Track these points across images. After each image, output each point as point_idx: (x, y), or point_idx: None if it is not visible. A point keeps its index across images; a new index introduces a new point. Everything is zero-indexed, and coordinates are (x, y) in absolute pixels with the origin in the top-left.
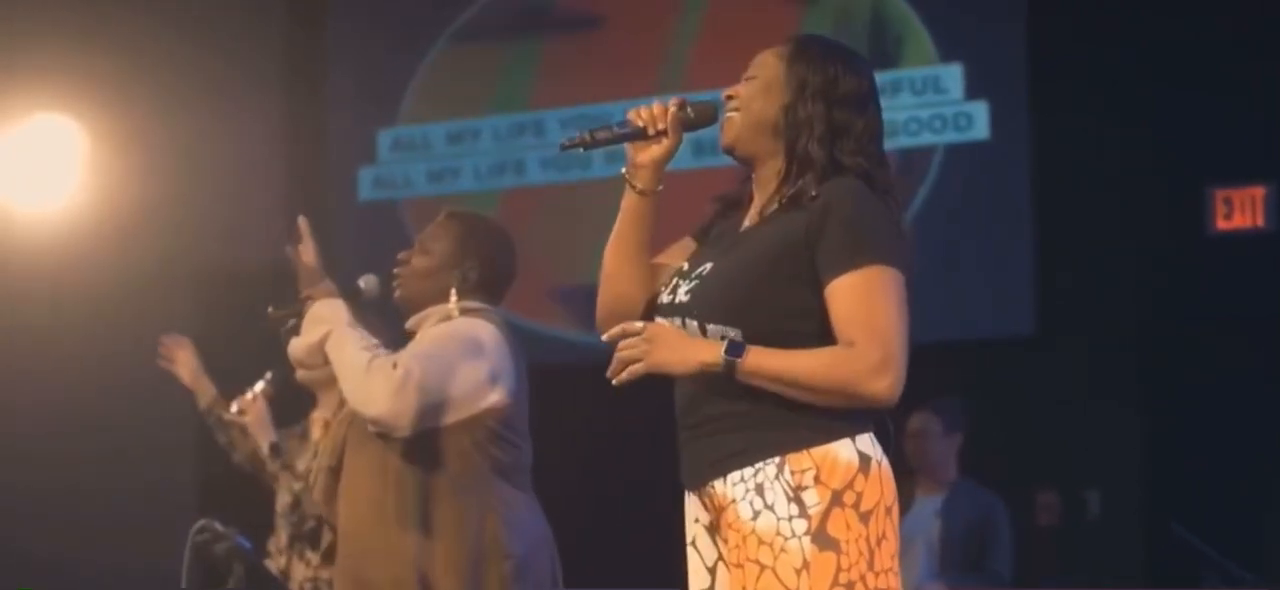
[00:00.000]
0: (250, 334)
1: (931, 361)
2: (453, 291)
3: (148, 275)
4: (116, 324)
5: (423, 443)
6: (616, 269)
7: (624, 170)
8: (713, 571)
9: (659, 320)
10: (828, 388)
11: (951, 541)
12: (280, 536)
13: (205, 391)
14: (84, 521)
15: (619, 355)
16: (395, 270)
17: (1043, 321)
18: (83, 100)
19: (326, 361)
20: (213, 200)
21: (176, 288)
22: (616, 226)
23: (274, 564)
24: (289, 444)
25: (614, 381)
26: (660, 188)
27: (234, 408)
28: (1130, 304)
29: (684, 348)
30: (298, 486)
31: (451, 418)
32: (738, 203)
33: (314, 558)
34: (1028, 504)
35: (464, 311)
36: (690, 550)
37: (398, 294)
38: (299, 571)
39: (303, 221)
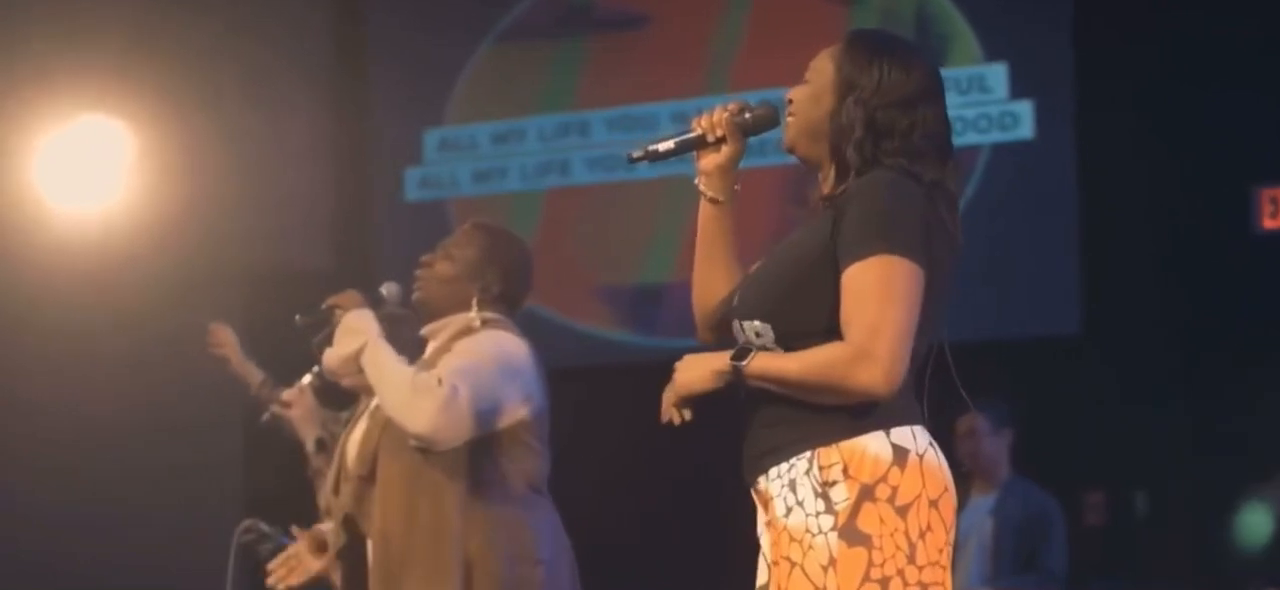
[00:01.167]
0: (296, 333)
1: (978, 361)
2: (474, 301)
3: (193, 276)
4: (162, 324)
5: (458, 452)
6: (702, 280)
7: (696, 180)
8: (770, 567)
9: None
10: (818, 385)
11: (1004, 540)
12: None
13: (252, 375)
14: (129, 521)
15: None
16: (418, 272)
17: (1089, 321)
18: (128, 101)
19: (360, 372)
20: (258, 201)
21: (222, 288)
22: (697, 238)
23: None
24: (337, 430)
25: (664, 421)
26: (737, 190)
27: (284, 401)
28: (1176, 303)
29: (700, 365)
30: None
31: (489, 429)
32: (814, 205)
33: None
34: (1075, 504)
35: (484, 322)
36: (761, 543)
37: (417, 296)
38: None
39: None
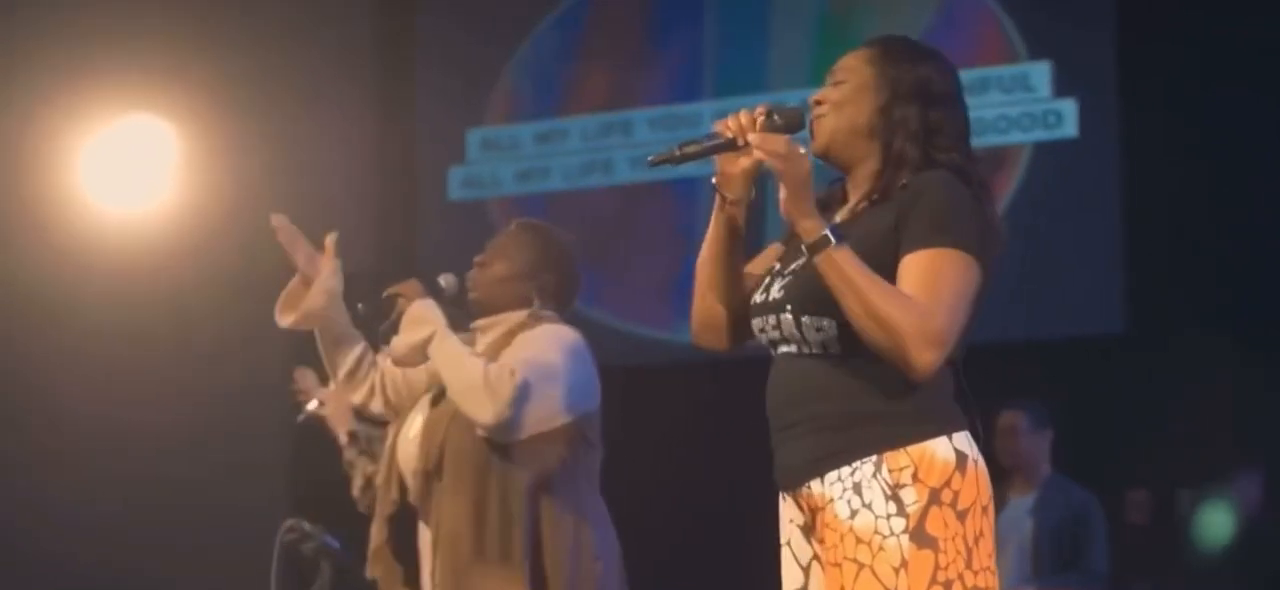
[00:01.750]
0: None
1: (1023, 359)
2: (534, 299)
3: (237, 275)
4: (207, 324)
5: (525, 447)
6: (711, 278)
7: (713, 180)
8: (807, 571)
9: (754, 322)
10: (884, 320)
11: (1045, 540)
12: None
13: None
14: (173, 523)
15: (753, 129)
16: (472, 272)
17: (1133, 319)
18: (173, 101)
19: (427, 360)
20: (302, 201)
21: (266, 288)
22: (708, 236)
23: None
24: (371, 427)
25: (716, 127)
26: (753, 196)
27: (315, 401)
28: (1220, 300)
29: (805, 196)
30: (372, 469)
31: (554, 424)
32: (829, 204)
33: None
34: (1118, 503)
35: (539, 319)
36: (784, 550)
37: (473, 295)
38: None
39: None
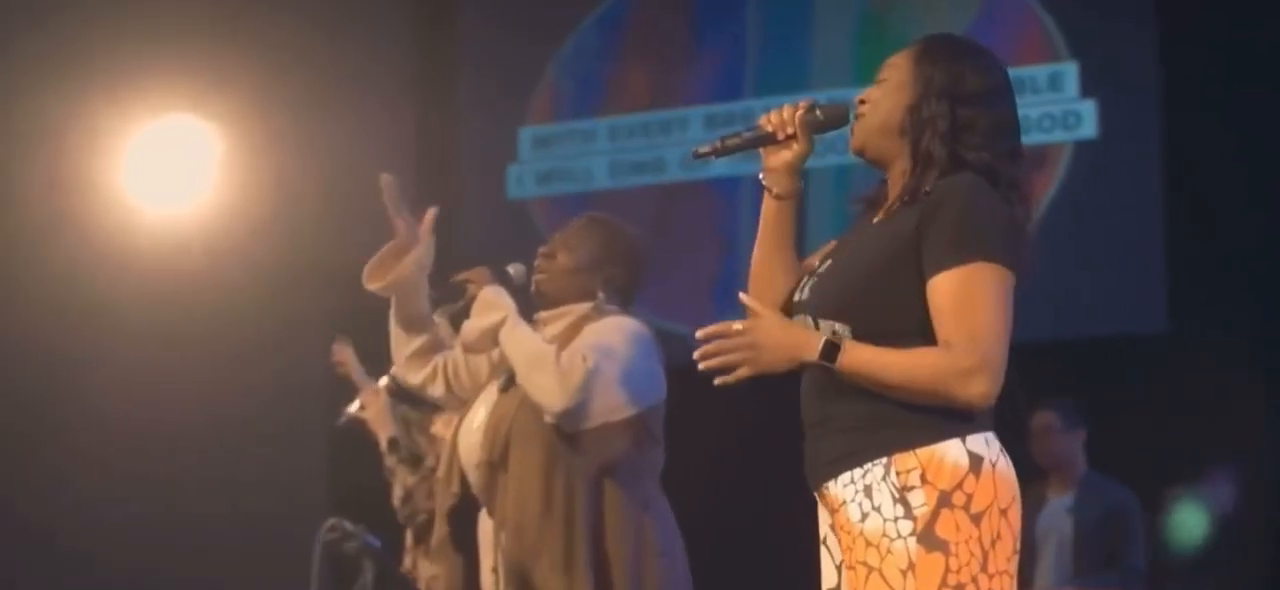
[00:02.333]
0: (382, 334)
1: (1066, 359)
2: (599, 293)
3: (281, 276)
4: (250, 324)
5: (592, 438)
6: (761, 273)
7: (761, 175)
8: (840, 571)
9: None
10: (921, 389)
11: (1084, 538)
12: (408, 535)
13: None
14: (213, 521)
15: (721, 358)
16: (537, 263)
17: (1175, 318)
18: (216, 101)
19: (496, 346)
20: (345, 201)
21: (310, 288)
22: (759, 231)
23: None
24: (414, 430)
25: (717, 384)
26: (799, 190)
27: (356, 404)
28: (1262, 299)
29: (785, 348)
30: (412, 480)
31: (624, 414)
32: (876, 202)
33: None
34: (1161, 502)
35: (604, 312)
36: (822, 549)
37: (539, 287)
38: (425, 569)
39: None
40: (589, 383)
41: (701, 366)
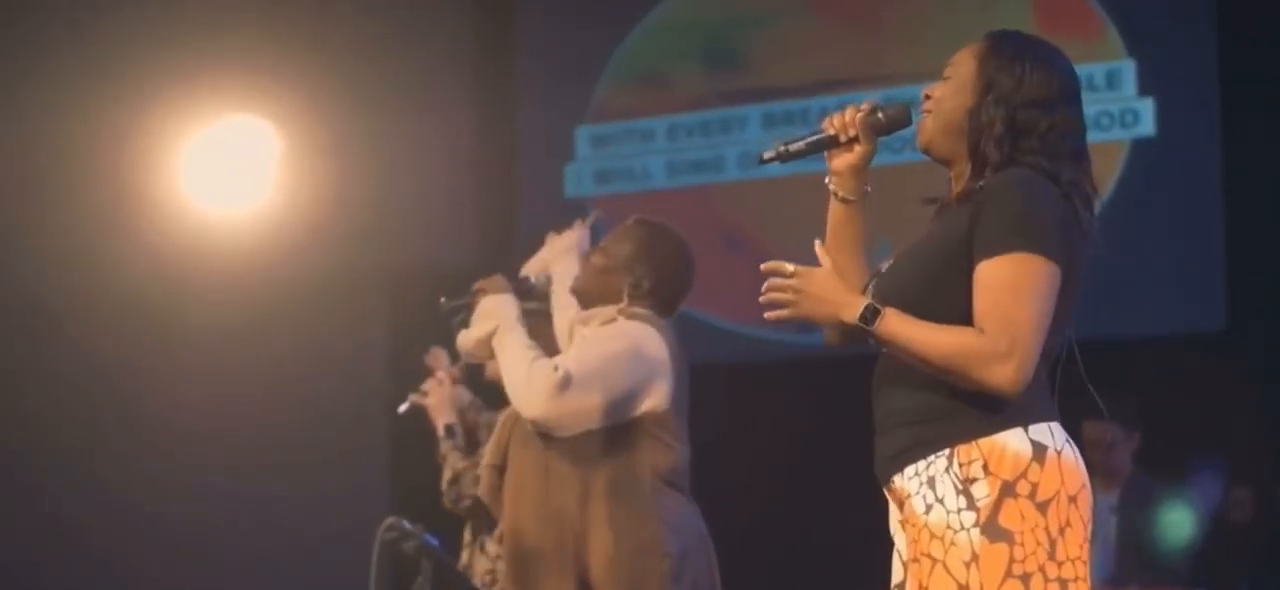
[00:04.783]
0: (443, 334)
1: (1123, 356)
2: (624, 295)
3: (339, 275)
4: (309, 324)
5: (584, 443)
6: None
7: (827, 180)
8: (907, 566)
9: None
10: (949, 367)
11: (1129, 537)
12: (465, 531)
13: (459, 399)
14: (275, 521)
15: (769, 295)
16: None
17: (1234, 315)
18: (274, 101)
19: (492, 355)
20: (403, 200)
21: (369, 288)
22: (827, 234)
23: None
24: (476, 417)
25: (766, 317)
26: (867, 191)
27: (422, 390)
28: None
29: (829, 304)
30: (462, 464)
31: (610, 420)
32: (947, 202)
33: (494, 549)
34: (1216, 502)
35: (630, 316)
36: (895, 542)
37: (572, 287)
38: (481, 564)
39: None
40: (556, 394)
41: (760, 300)
